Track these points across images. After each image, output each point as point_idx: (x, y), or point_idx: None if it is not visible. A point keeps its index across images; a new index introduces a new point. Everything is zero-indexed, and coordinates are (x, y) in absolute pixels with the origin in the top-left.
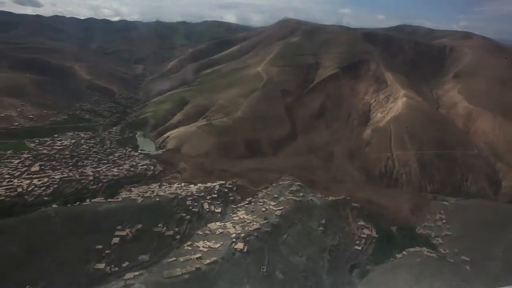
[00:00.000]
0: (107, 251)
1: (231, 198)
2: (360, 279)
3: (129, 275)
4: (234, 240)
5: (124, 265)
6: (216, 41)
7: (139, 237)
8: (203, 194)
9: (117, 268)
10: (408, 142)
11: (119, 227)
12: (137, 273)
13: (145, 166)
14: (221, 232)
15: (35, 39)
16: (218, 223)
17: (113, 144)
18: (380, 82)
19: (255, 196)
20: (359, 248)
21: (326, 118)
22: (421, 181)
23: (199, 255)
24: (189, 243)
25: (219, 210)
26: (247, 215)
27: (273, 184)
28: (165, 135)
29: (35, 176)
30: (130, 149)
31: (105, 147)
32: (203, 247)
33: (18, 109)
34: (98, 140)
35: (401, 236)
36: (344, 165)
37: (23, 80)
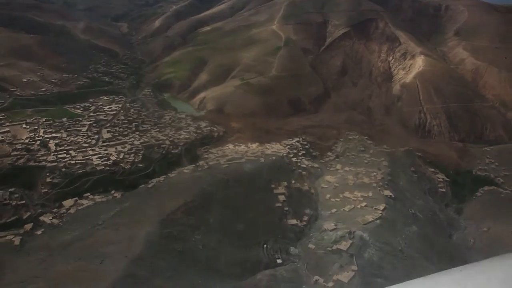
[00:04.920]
0: (286, 208)
1: (314, 154)
2: (459, 215)
3: (328, 226)
4: (379, 188)
5: (305, 218)
6: None
7: (291, 193)
8: (295, 151)
9: (304, 223)
10: (434, 96)
11: (272, 186)
12: (332, 224)
13: (209, 128)
14: (354, 183)
15: None
16: (333, 177)
17: (156, 107)
18: (392, 40)
19: (332, 151)
20: (444, 190)
21: (350, 76)
22: (450, 131)
23: (364, 203)
24: (327, 196)
25: (317, 165)
26: (349, 167)
27: (341, 140)
28: (200, 96)
29: (113, 143)
30: (173, 112)
31: (150, 110)
32: (354, 197)
33: (38, 73)
34: (140, 103)
35: (464, 178)
36: (384, 119)
37: (28, 41)
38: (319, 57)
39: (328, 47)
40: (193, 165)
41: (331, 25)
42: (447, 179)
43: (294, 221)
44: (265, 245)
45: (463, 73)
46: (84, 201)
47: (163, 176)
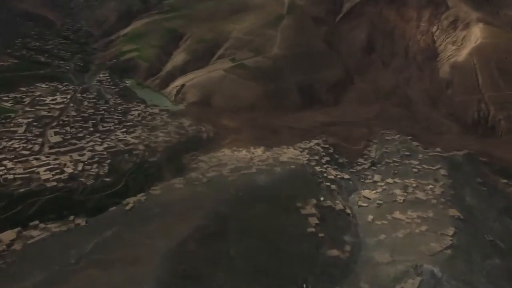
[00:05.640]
0: (321, 235)
1: (341, 161)
2: None
3: (381, 258)
4: (441, 206)
5: (347, 248)
6: None
7: (323, 214)
8: (316, 157)
9: (347, 254)
10: (499, 79)
11: (298, 204)
12: (387, 255)
13: (194, 127)
14: (404, 199)
15: None
16: (372, 191)
17: (117, 99)
18: (436, 3)
19: (365, 156)
20: None
21: (379, 53)
22: None
23: (424, 227)
24: (370, 217)
25: (347, 176)
26: (393, 178)
27: (375, 141)
28: (177, 83)
29: (65, 149)
30: (142, 105)
31: (110, 103)
32: (408, 218)
33: None
34: (95, 94)
35: None
36: (430, 113)
37: None
38: (335, 28)
39: (347, 14)
40: (181, 178)
41: None
42: None
43: (335, 252)
44: (304, 286)
45: None
46: (34, 232)
47: (142, 194)
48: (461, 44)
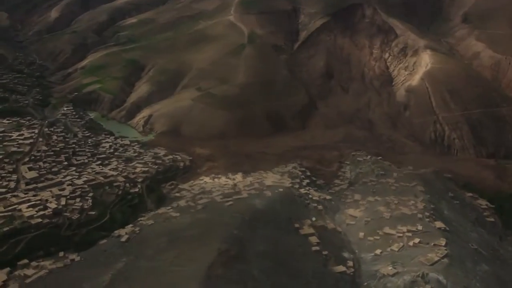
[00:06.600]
0: (324, 253)
1: (318, 183)
2: None
3: (385, 270)
4: (427, 219)
5: (349, 264)
6: None
7: (320, 233)
8: (298, 180)
9: (352, 270)
10: (451, 101)
11: (296, 225)
12: (390, 268)
13: (170, 157)
14: (391, 215)
15: None
16: (357, 210)
17: (86, 132)
18: (385, 31)
19: (340, 177)
20: (492, 219)
21: (338, 79)
22: (475, 145)
23: (416, 239)
24: (361, 234)
25: (329, 197)
26: (373, 197)
27: (347, 163)
28: (144, 114)
29: (43, 184)
30: (111, 137)
31: (79, 136)
32: (399, 232)
33: None
34: (62, 127)
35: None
36: (392, 134)
37: None
38: (294, 56)
39: (304, 43)
40: (169, 207)
41: (303, 15)
42: (492, 206)
43: (341, 268)
44: None
45: (480, 71)
46: (28, 271)
47: (131, 226)
48: (413, 69)
